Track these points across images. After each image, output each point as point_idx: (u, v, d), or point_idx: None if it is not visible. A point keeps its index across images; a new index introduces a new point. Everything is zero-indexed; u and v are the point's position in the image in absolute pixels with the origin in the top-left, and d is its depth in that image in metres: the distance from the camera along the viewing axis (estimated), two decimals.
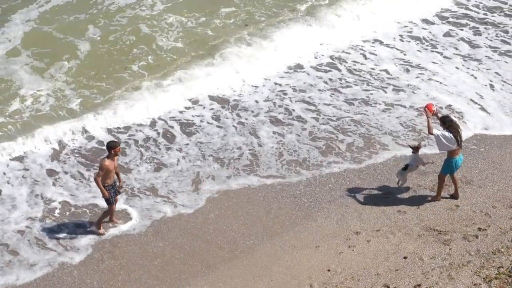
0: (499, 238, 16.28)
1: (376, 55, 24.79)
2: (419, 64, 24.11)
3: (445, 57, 24.59)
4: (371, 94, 22.54)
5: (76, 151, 20.30)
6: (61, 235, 17.37)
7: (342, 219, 17.42)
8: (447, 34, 25.99)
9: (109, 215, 17.40)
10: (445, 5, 27.92)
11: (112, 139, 19.81)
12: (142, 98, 22.24)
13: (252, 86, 23.13)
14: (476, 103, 21.91)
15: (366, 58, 24.60)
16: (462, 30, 26.24)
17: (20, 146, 20.26)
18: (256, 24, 26.30)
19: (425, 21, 26.95)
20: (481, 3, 28.09)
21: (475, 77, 23.26)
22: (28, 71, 23.36)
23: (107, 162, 16.51)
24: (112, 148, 16.57)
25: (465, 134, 19.38)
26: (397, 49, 25.14)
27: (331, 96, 22.54)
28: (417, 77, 23.38)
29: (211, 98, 22.59)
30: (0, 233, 17.42)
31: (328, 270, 15.83)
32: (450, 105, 21.72)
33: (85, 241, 17.19)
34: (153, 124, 21.45)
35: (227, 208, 18.08)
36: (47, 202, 18.41)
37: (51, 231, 17.46)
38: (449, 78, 23.26)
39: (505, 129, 20.63)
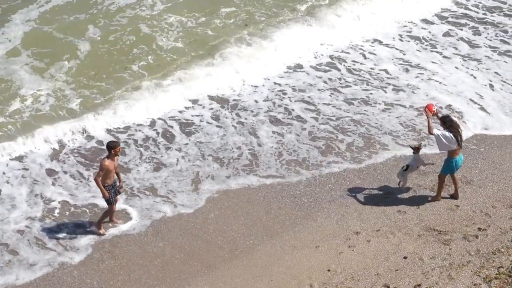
0: (499, 238, 16.29)
1: (375, 55, 24.80)
2: (419, 64, 24.12)
3: (444, 57, 24.60)
4: (371, 94, 22.55)
5: (75, 150, 20.30)
6: (61, 235, 17.36)
7: (342, 219, 17.43)
8: (446, 34, 26.00)
9: (109, 215, 17.41)
10: (445, 5, 27.93)
11: (112, 139, 19.83)
12: (142, 98, 22.23)
13: (251, 86, 23.14)
14: (475, 103, 21.92)
15: (365, 58, 24.61)
16: (461, 30, 26.25)
17: (20, 146, 20.26)
18: (256, 24, 26.30)
19: (425, 21, 26.95)
20: (480, 3, 28.10)
21: (475, 77, 23.26)
22: (28, 71, 23.35)
23: (107, 162, 16.51)
24: (112, 148, 16.57)
25: (465, 134, 19.41)
26: (397, 49, 25.14)
27: (331, 96, 22.54)
28: (416, 77, 23.38)
29: (211, 98, 22.59)
30: (0, 232, 17.42)
31: (328, 270, 15.84)
32: (450, 105, 21.72)
33: (85, 241, 17.19)
34: (152, 124, 21.45)
35: (227, 208, 18.08)
36: (47, 202, 18.40)
37: (51, 231, 17.46)
38: (449, 78, 23.27)
39: (505, 129, 20.63)
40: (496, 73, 23.45)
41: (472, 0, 28.29)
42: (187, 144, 20.57)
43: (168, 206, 18.19)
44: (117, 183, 17.13)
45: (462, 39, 25.59)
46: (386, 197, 18.06)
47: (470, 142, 20.01)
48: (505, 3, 28.08)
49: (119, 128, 21.19)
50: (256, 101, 22.35)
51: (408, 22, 26.83)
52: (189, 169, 19.55)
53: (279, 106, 22.13)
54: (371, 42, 25.59)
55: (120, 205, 17.88)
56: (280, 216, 17.70)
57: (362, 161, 19.63)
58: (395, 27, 26.53)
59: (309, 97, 22.51)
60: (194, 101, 22.41)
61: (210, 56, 24.42)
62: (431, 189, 18.11)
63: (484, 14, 27.32)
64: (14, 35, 25.17)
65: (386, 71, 23.79)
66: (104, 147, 19.49)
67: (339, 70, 23.93)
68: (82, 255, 16.81)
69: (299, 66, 24.19)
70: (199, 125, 21.32)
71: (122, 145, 19.93)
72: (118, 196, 17.42)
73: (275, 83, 23.26)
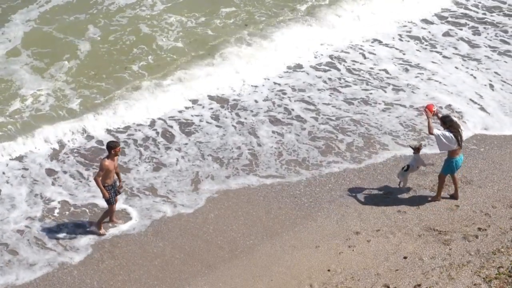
0: (499, 238, 16.29)
1: (375, 54, 24.80)
2: (419, 64, 24.12)
3: (444, 56, 24.60)
4: (371, 93, 22.55)
5: (75, 150, 20.30)
6: (61, 235, 17.37)
7: (342, 219, 17.43)
8: (446, 34, 26.01)
9: (109, 215, 17.41)
10: (444, 5, 27.93)
11: (112, 139, 19.83)
12: (142, 98, 22.23)
13: (251, 85, 23.14)
14: (475, 103, 21.91)
15: (365, 58, 24.61)
16: (461, 29, 26.25)
17: (20, 146, 20.25)
18: (256, 24, 26.30)
19: (424, 20, 26.95)
20: (480, 2, 28.10)
21: (475, 77, 23.26)
22: (28, 71, 23.35)
23: (107, 162, 16.51)
24: (112, 148, 16.57)
25: (465, 134, 19.38)
26: (396, 49, 25.15)
27: (331, 96, 22.54)
28: (416, 77, 23.38)
29: (211, 98, 22.59)
30: (0, 232, 17.42)
31: (328, 270, 15.84)
32: (449, 105, 21.72)
33: (85, 241, 17.19)
34: (152, 123, 21.45)
35: (227, 208, 18.08)
36: (47, 202, 18.41)
37: (51, 231, 17.46)
38: (449, 77, 23.27)
39: (505, 129, 20.63)
40: (496, 73, 23.45)
41: (472, 0, 28.28)
42: (186, 144, 20.57)
43: (168, 206, 18.19)
44: (117, 183, 17.12)
45: (462, 39, 25.60)
46: (386, 197, 18.07)
47: (470, 142, 20.01)
48: (504, 3, 28.08)
49: (119, 128, 21.19)
50: (256, 101, 22.35)
51: (408, 22, 26.83)
52: (189, 169, 19.55)
53: (279, 106, 22.13)
54: (371, 42, 25.59)
55: (120, 205, 17.87)
56: (280, 216, 17.70)
57: (362, 161, 19.63)
58: (395, 27, 26.53)
59: (309, 97, 22.51)
60: (194, 101, 22.41)
61: (210, 56, 24.41)
62: (431, 189, 18.11)
63: (484, 14, 27.32)
64: (14, 35, 25.17)
65: (386, 71, 23.80)
66: (104, 147, 19.52)
67: (338, 70, 23.93)
68: (82, 255, 16.80)
69: (298, 66, 24.19)
70: (199, 125, 21.32)
71: (122, 145, 19.92)
72: (118, 196, 17.41)
73: (274, 83, 23.26)
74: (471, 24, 26.59)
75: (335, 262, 16.06)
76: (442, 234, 16.56)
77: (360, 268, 15.81)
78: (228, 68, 23.78)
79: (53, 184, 19.05)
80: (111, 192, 16.82)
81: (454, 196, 17.73)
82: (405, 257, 15.98)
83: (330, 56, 24.68)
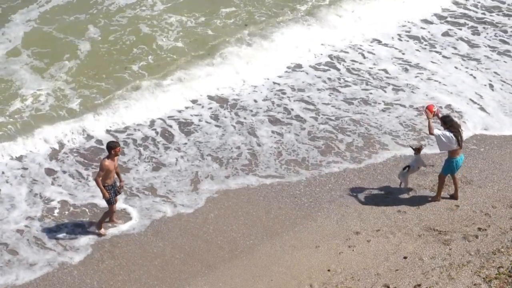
0: (499, 238, 16.29)
1: (374, 54, 24.80)
2: (418, 64, 24.12)
3: (444, 56, 24.60)
4: (370, 93, 22.55)
5: (75, 150, 20.30)
6: (61, 235, 17.37)
7: (342, 219, 17.43)
8: (445, 34, 26.01)
9: (109, 215, 17.41)
10: (444, 5, 27.91)
11: (112, 139, 19.84)
12: (142, 98, 22.24)
13: (251, 85, 23.13)
14: (475, 103, 21.91)
15: (364, 58, 24.61)
16: (460, 29, 26.25)
17: (20, 145, 20.25)
18: (256, 24, 26.30)
19: (424, 20, 26.95)
20: (479, 2, 28.11)
21: (474, 77, 23.26)
22: (28, 71, 23.34)
23: (107, 162, 16.51)
24: (112, 148, 16.56)
25: (465, 134, 19.36)
26: (396, 49, 25.15)
27: (330, 96, 22.54)
28: (416, 77, 23.38)
29: (210, 97, 22.58)
30: (0, 232, 17.42)
31: (328, 270, 15.84)
32: (449, 105, 21.72)
33: (85, 240, 17.19)
34: (151, 123, 21.45)
35: (227, 208, 18.08)
36: (46, 202, 18.41)
37: (51, 231, 17.46)
38: (448, 77, 23.27)
39: (505, 129, 20.63)
40: (495, 73, 23.45)
41: (471, 0, 28.29)
42: (186, 143, 20.56)
43: (168, 206, 18.19)
44: (117, 183, 17.12)
45: (461, 38, 25.60)
46: (386, 197, 18.07)
47: (470, 142, 20.02)
48: (504, 2, 28.09)
49: (118, 128, 21.18)
50: (255, 101, 22.35)
51: (407, 22, 26.82)
52: (188, 169, 19.55)
53: (278, 105, 22.13)
54: (370, 42, 25.59)
55: (120, 204, 17.86)
56: (280, 216, 17.71)
57: (362, 161, 19.63)
58: (394, 27, 26.52)
59: (308, 96, 22.51)
60: (194, 101, 22.41)
61: (210, 56, 24.40)
62: (431, 189, 18.12)
63: (483, 14, 27.32)
64: (15, 35, 25.16)
65: (385, 70, 23.80)
66: (103, 146, 19.54)
67: (338, 69, 23.93)
68: (82, 255, 16.81)
69: (298, 66, 24.19)
70: (198, 125, 21.32)
71: (121, 144, 19.90)
72: (118, 196, 17.40)
73: (274, 83, 23.25)
74: (471, 24, 26.59)
75: (335, 262, 16.06)
76: (442, 234, 16.57)
77: (360, 268, 15.82)
78: (228, 68, 23.77)
79: (52, 184, 19.05)
80: (111, 192, 16.82)
81: (454, 196, 17.73)
82: (405, 257, 15.98)
83: (330, 56, 24.68)
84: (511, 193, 17.87)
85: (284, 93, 22.69)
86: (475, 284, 14.96)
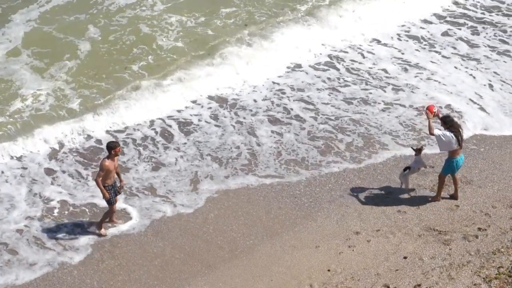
0: (499, 238, 16.30)
1: (374, 54, 24.81)
2: (418, 64, 24.12)
3: (443, 56, 24.60)
4: (370, 93, 22.55)
5: (74, 150, 20.30)
6: (60, 235, 17.37)
7: (342, 219, 17.43)
8: (445, 34, 26.01)
9: (109, 215, 17.41)
10: (443, 5, 27.91)
11: (112, 139, 19.85)
12: (142, 98, 22.23)
13: (251, 85, 23.12)
14: (475, 103, 21.91)
15: (364, 57, 24.61)
16: (460, 29, 26.25)
17: (20, 145, 20.26)
18: (256, 24, 26.30)
19: (423, 20, 26.95)
20: (479, 2, 28.11)
21: (474, 77, 23.26)
22: (28, 71, 23.34)
23: (107, 162, 16.50)
24: (112, 148, 16.56)
25: (465, 134, 19.33)
26: (395, 48, 25.15)
27: (330, 95, 22.54)
28: (415, 77, 23.38)
29: (210, 97, 22.58)
30: None
31: (328, 270, 15.85)
32: (449, 105, 21.72)
33: (85, 240, 17.19)
34: (151, 123, 21.44)
35: (227, 208, 18.08)
36: (46, 201, 18.42)
37: (50, 231, 17.46)
38: (448, 77, 23.27)
39: (505, 129, 20.63)
40: (495, 72, 23.45)
41: (471, 0, 28.32)
42: (185, 143, 20.56)
43: (168, 206, 18.19)
44: (117, 183, 17.12)
45: (461, 38, 25.60)
46: (386, 197, 18.08)
47: (470, 142, 20.02)
48: (503, 2, 28.09)
49: (118, 128, 21.17)
50: (255, 101, 22.35)
51: (407, 22, 26.82)
52: (188, 169, 19.55)
53: (278, 105, 22.13)
54: (370, 42, 25.59)
55: (119, 204, 17.86)
56: (280, 216, 17.71)
57: (362, 161, 19.63)
58: (394, 27, 26.52)
59: (308, 96, 22.51)
60: (194, 101, 22.40)
61: (210, 56, 24.40)
62: (431, 189, 18.12)
63: (483, 13, 27.33)
64: (15, 35, 25.15)
65: (385, 70, 23.80)
66: (103, 146, 19.55)
67: (338, 69, 23.93)
68: (82, 255, 16.81)
69: (298, 66, 24.19)
70: (198, 125, 21.32)
71: (121, 144, 19.88)
72: (118, 196, 17.40)
73: (273, 83, 23.25)
74: (470, 24, 26.60)
75: (335, 262, 16.07)
76: (442, 234, 16.57)
77: (360, 268, 15.82)
78: (228, 68, 23.77)
79: (52, 183, 19.05)
80: (111, 192, 16.82)
81: (454, 196, 17.74)
82: (405, 257, 15.99)
83: (329, 56, 24.69)
84: (511, 193, 17.88)
85: (284, 93, 22.69)
86: (475, 284, 14.97)
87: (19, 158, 19.90)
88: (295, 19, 26.63)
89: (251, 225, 17.48)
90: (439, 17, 27.13)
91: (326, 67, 24.03)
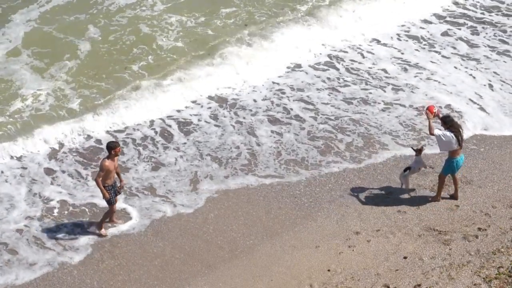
0: (499, 238, 16.30)
1: (374, 54, 24.80)
2: (417, 64, 24.12)
3: (443, 56, 24.60)
4: (370, 93, 22.54)
5: (74, 150, 20.30)
6: (60, 235, 17.37)
7: (342, 219, 17.43)
8: (445, 34, 26.01)
9: (109, 215, 17.40)
10: (443, 5, 27.91)
11: (112, 139, 19.85)
12: (142, 98, 22.23)
13: (250, 85, 23.12)
14: (475, 103, 21.91)
15: (364, 57, 24.61)
16: (460, 29, 26.25)
17: (19, 145, 20.25)
18: (256, 24, 26.30)
19: (423, 20, 26.94)
20: (478, 2, 28.11)
21: (474, 77, 23.25)
22: (28, 71, 23.33)
23: (107, 162, 16.50)
24: (112, 148, 16.55)
25: (465, 134, 19.33)
26: (395, 48, 25.15)
27: (330, 95, 22.54)
28: (415, 76, 23.37)
29: (209, 97, 22.58)
30: None
31: (328, 270, 15.85)
32: (449, 105, 21.71)
33: (85, 240, 17.19)
34: (151, 123, 21.44)
35: (227, 208, 18.08)
36: (46, 201, 18.42)
37: (50, 231, 17.46)
38: (448, 77, 23.27)
39: (505, 129, 20.62)
40: (495, 72, 23.45)
41: (471, 0, 28.32)
42: (185, 143, 20.56)
43: (168, 206, 18.19)
44: (117, 183, 17.12)
45: (460, 38, 25.60)
46: (386, 197, 18.07)
47: (470, 142, 20.02)
48: (503, 2, 28.09)
49: (118, 128, 21.17)
50: (254, 101, 22.35)
51: (407, 22, 26.81)
52: (188, 169, 19.55)
53: (278, 105, 22.12)
54: (370, 42, 25.59)
55: (119, 204, 17.86)
56: (280, 216, 17.71)
57: (362, 161, 19.63)
58: (393, 26, 26.52)
59: (307, 96, 22.50)
60: (194, 101, 22.40)
61: (210, 56, 24.40)
62: (431, 189, 18.12)
63: (483, 13, 27.33)
64: (15, 35, 25.15)
65: (385, 70, 23.80)
66: (103, 146, 19.54)
67: (337, 69, 23.93)
68: (81, 255, 16.81)
69: (297, 66, 24.18)
70: (198, 125, 21.32)
71: (121, 144, 19.88)
72: (118, 196, 17.40)
73: (273, 83, 23.25)
74: (470, 24, 26.60)
75: (335, 262, 16.07)
76: (442, 234, 16.57)
77: (360, 268, 15.82)
78: (228, 68, 23.76)
79: (52, 183, 19.04)
80: (111, 192, 16.82)
81: (454, 196, 17.73)
82: (405, 257, 15.99)
83: (329, 56, 24.68)
84: (511, 193, 17.88)
85: (284, 93, 22.69)
86: (475, 284, 14.97)
87: (19, 158, 19.90)
88: (295, 19, 26.64)
89: (251, 225, 17.48)
90: (439, 17, 27.14)
91: (326, 67, 24.03)
